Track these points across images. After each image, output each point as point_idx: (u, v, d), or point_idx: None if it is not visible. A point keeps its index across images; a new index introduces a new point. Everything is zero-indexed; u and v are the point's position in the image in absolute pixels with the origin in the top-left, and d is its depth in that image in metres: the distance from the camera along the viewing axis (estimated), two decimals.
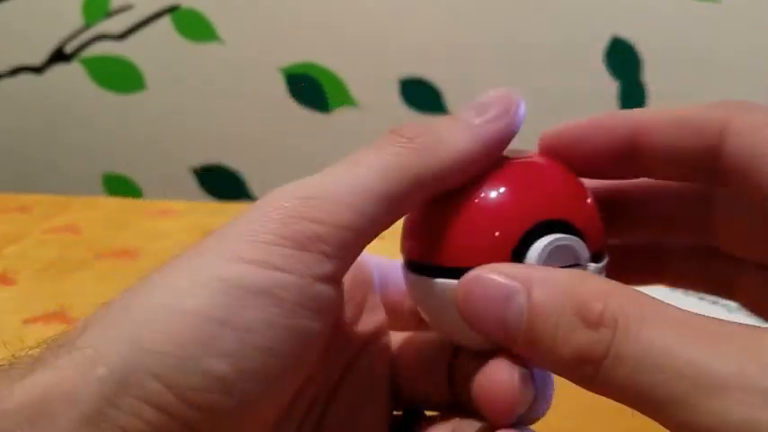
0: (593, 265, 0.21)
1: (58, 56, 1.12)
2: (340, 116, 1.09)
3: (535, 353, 0.18)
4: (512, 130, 0.22)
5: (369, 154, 0.21)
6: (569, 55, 1.06)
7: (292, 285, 0.18)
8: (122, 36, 1.10)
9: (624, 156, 0.22)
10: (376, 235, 0.20)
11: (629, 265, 0.25)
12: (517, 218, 0.20)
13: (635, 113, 0.22)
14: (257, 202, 0.20)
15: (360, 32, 1.07)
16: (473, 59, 1.07)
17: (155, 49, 1.10)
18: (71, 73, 1.12)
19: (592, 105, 1.07)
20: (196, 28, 1.09)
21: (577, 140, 0.23)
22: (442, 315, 0.22)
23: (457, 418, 0.23)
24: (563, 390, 0.38)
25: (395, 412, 0.26)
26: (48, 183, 1.13)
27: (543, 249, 0.20)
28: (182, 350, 0.17)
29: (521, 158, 0.22)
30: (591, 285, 0.18)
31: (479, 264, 0.19)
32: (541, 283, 0.18)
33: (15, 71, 1.13)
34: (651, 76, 1.06)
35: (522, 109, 0.22)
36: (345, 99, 1.09)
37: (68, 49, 1.11)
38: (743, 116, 0.20)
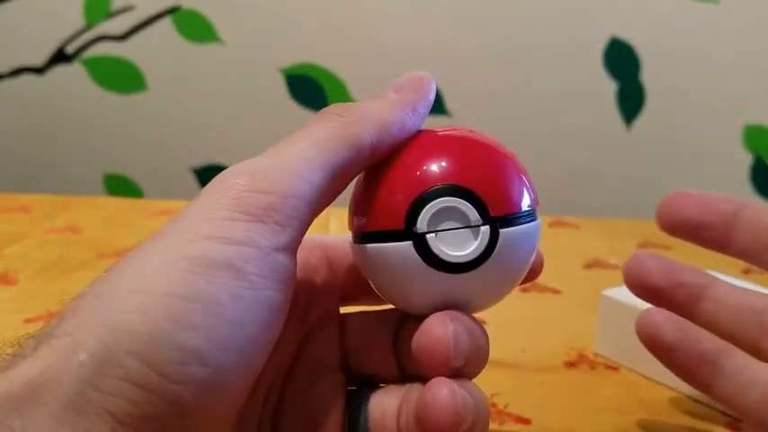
0: (484, 228, 0.22)
1: (60, 56, 1.12)
2: None
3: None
4: (425, 101, 0.24)
5: (306, 131, 0.22)
6: (568, 56, 1.06)
7: (252, 257, 0.20)
8: (123, 37, 1.10)
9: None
10: (323, 204, 0.22)
11: None
12: (412, 184, 0.23)
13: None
14: (209, 183, 0.21)
15: (360, 33, 1.07)
16: (472, 60, 1.07)
17: (156, 50, 1.10)
18: (72, 73, 1.12)
19: (590, 106, 1.07)
20: (197, 29, 1.09)
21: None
22: (382, 278, 0.24)
23: (406, 385, 0.24)
24: (562, 389, 0.38)
25: (349, 388, 0.26)
26: (49, 183, 1.13)
27: (426, 212, 0.22)
28: (155, 328, 0.18)
29: (437, 131, 0.25)
30: None
31: (392, 227, 0.22)
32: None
33: (16, 72, 1.13)
34: (650, 77, 1.06)
35: (433, 84, 0.25)
36: (345, 100, 1.09)
37: (69, 49, 1.11)
38: None
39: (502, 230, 0.23)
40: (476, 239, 0.22)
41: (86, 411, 0.17)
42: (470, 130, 0.25)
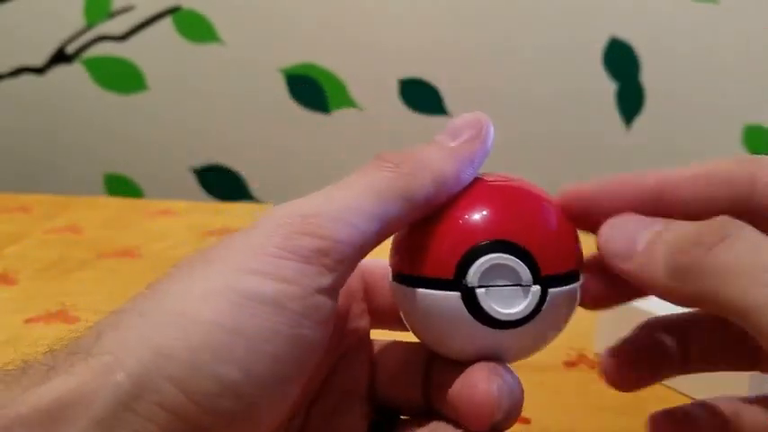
0: (535, 287, 0.22)
1: (60, 57, 1.12)
2: (340, 117, 1.08)
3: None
4: (484, 150, 0.24)
5: (361, 178, 0.22)
6: (568, 56, 1.06)
7: (297, 296, 0.20)
8: (123, 37, 1.10)
9: (650, 212, 0.23)
10: (369, 250, 0.22)
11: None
12: (466, 236, 0.22)
13: (662, 171, 0.24)
14: (260, 219, 0.21)
15: (360, 33, 1.07)
16: (472, 60, 1.07)
17: (156, 50, 1.10)
18: (72, 74, 1.12)
19: (590, 106, 1.07)
20: (197, 29, 1.09)
21: (602, 197, 0.24)
22: (422, 323, 0.24)
23: (434, 422, 0.24)
24: (562, 389, 0.38)
25: (373, 418, 0.26)
26: (49, 183, 1.13)
27: (482, 265, 0.22)
28: (197, 356, 0.18)
29: (491, 181, 0.24)
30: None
31: (441, 275, 0.22)
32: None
33: (17, 72, 1.13)
34: (649, 77, 1.06)
35: (492, 130, 0.25)
36: (345, 100, 1.09)
37: (70, 49, 1.11)
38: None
39: (550, 290, 0.22)
40: (525, 298, 0.22)
41: (115, 431, 0.17)
42: (522, 180, 0.25)
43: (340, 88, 1.09)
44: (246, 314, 0.19)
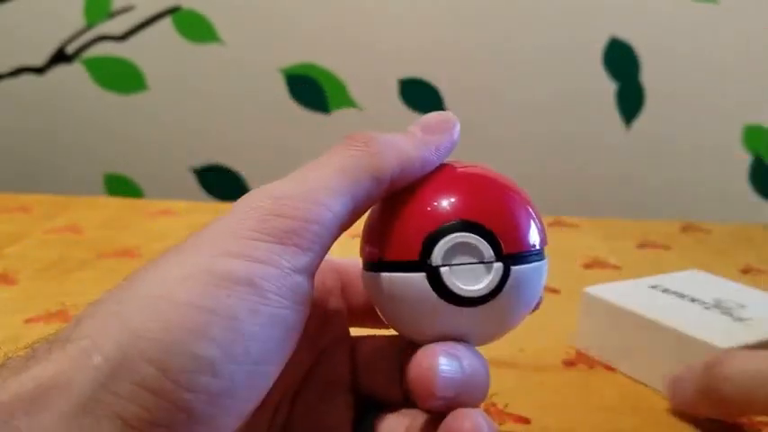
0: (497, 264, 0.23)
1: (60, 56, 1.12)
2: (340, 117, 1.09)
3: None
4: (450, 141, 0.25)
5: (330, 158, 0.23)
6: (568, 56, 1.06)
7: (273, 276, 0.20)
8: (123, 37, 1.10)
9: None
10: (342, 230, 0.23)
11: None
12: (430, 217, 0.23)
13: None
14: (235, 204, 0.22)
15: (359, 34, 1.07)
16: (472, 60, 1.07)
17: (156, 50, 1.10)
18: (72, 73, 1.12)
19: (590, 106, 1.07)
20: (197, 29, 1.09)
21: None
22: (391, 308, 0.24)
23: (414, 410, 0.25)
24: (561, 389, 0.38)
25: (357, 409, 0.27)
26: (49, 183, 1.13)
27: (445, 244, 0.23)
28: (174, 336, 0.18)
29: (455, 166, 0.25)
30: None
31: (406, 258, 0.23)
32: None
33: (17, 72, 1.13)
34: (649, 77, 1.06)
35: (458, 128, 0.26)
36: (345, 100, 1.09)
37: (70, 49, 1.11)
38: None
39: (513, 268, 0.23)
40: (488, 275, 0.23)
41: (96, 414, 0.18)
42: (486, 168, 0.26)
43: (340, 88, 1.09)
44: (222, 294, 0.19)
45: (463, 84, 1.08)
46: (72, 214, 0.69)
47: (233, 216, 0.21)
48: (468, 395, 0.23)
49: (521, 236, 0.24)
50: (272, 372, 0.21)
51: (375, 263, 0.24)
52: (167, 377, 0.18)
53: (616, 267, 0.60)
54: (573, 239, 0.68)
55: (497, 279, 0.23)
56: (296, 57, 1.09)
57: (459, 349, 0.23)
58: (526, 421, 0.35)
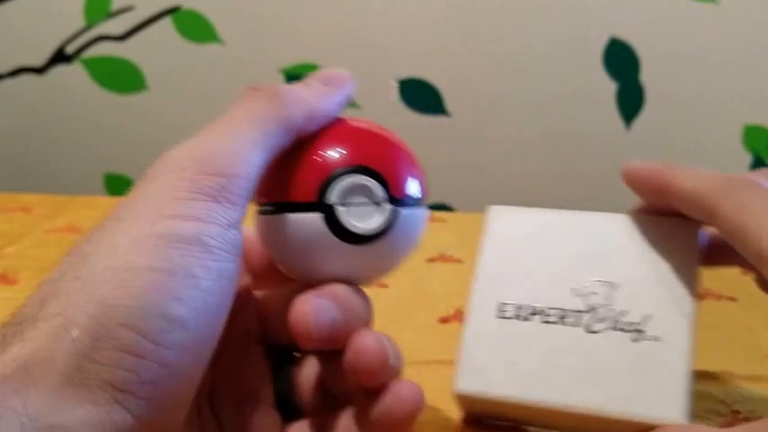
0: (391, 206, 0.25)
1: (59, 56, 1.12)
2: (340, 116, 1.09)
3: None
4: (345, 93, 0.27)
5: (241, 111, 0.24)
6: (568, 55, 1.06)
7: (216, 233, 0.21)
8: (123, 37, 1.10)
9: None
10: (257, 180, 0.24)
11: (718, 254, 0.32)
12: (327, 162, 0.25)
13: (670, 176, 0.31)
14: (157, 167, 0.23)
15: (359, 33, 1.07)
16: (472, 60, 1.07)
17: (155, 50, 1.10)
18: (72, 73, 1.12)
19: (590, 105, 1.07)
20: (197, 29, 1.09)
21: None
22: (286, 249, 0.26)
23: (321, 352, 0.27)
24: None
25: (272, 361, 0.29)
26: (48, 183, 1.13)
27: (342, 185, 0.25)
28: (142, 300, 0.19)
29: (349, 121, 0.27)
30: None
31: (297, 199, 0.25)
32: None
33: (16, 72, 1.13)
34: (649, 77, 1.06)
35: (351, 82, 0.28)
36: None
37: (69, 49, 1.11)
38: (728, 201, 0.27)
39: (400, 210, 0.26)
40: (380, 215, 0.25)
41: (86, 383, 0.19)
42: (376, 124, 0.28)
43: None
44: (176, 255, 0.20)
45: (463, 83, 1.08)
46: (72, 214, 0.69)
47: (164, 179, 0.22)
48: (348, 330, 0.24)
49: (407, 183, 0.26)
50: (224, 320, 0.22)
51: (273, 204, 0.26)
52: (145, 338, 0.19)
53: None
54: None
55: (388, 219, 0.25)
56: (296, 56, 1.09)
57: (336, 290, 0.25)
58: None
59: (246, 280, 0.29)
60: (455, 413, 0.33)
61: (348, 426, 0.26)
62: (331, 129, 0.26)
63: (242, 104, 0.25)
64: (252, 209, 0.26)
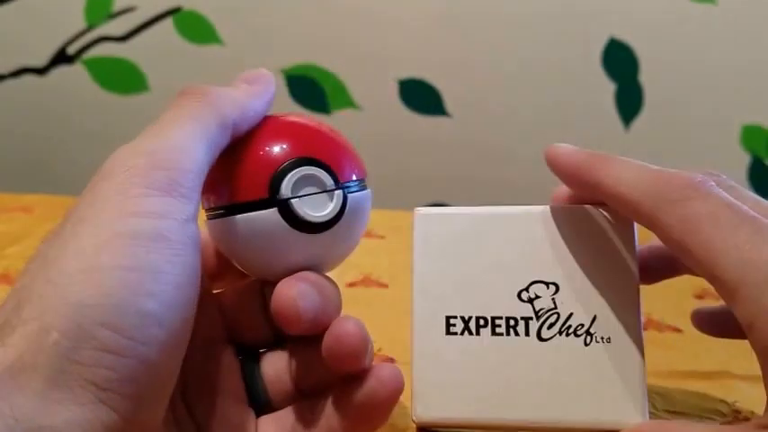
0: (339, 191, 0.26)
1: (61, 57, 1.11)
2: (340, 117, 1.08)
3: None
4: (270, 92, 0.28)
5: (178, 111, 0.24)
6: (567, 56, 1.06)
7: (174, 228, 0.22)
8: (124, 38, 1.10)
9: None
10: (204, 175, 0.24)
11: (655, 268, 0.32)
12: (273, 158, 0.26)
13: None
14: (106, 167, 0.23)
15: (359, 35, 1.07)
16: (471, 61, 1.07)
17: (157, 51, 1.10)
18: (74, 74, 1.12)
19: (589, 105, 1.07)
20: (197, 30, 1.09)
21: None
22: (244, 249, 0.26)
23: (288, 345, 0.28)
24: None
25: (240, 358, 0.29)
26: (50, 183, 1.13)
27: (293, 177, 0.25)
28: (116, 299, 0.20)
29: (281, 116, 0.28)
30: None
31: (249, 198, 0.25)
32: None
33: (18, 72, 1.13)
34: (648, 78, 1.06)
35: (273, 80, 0.28)
36: (344, 100, 1.09)
37: (71, 50, 1.11)
38: (669, 214, 0.25)
39: (349, 195, 0.27)
40: (332, 201, 0.26)
41: (69, 385, 0.19)
42: (306, 116, 0.28)
43: (340, 89, 1.09)
44: (142, 252, 0.21)
45: (463, 84, 1.08)
46: None
47: (115, 177, 0.22)
48: (326, 315, 0.25)
49: (349, 168, 0.27)
50: (193, 313, 0.23)
51: (224, 207, 0.26)
52: (123, 336, 0.20)
53: None
54: None
55: (340, 204, 0.26)
56: (296, 57, 1.09)
57: (310, 276, 0.26)
58: None
59: (204, 281, 0.29)
60: None
61: (328, 414, 0.26)
62: (266, 126, 0.27)
63: (177, 105, 0.25)
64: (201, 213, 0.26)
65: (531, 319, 0.29)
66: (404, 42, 1.07)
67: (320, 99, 1.09)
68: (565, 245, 0.30)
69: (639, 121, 1.07)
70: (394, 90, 1.08)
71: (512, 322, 0.29)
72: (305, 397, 0.27)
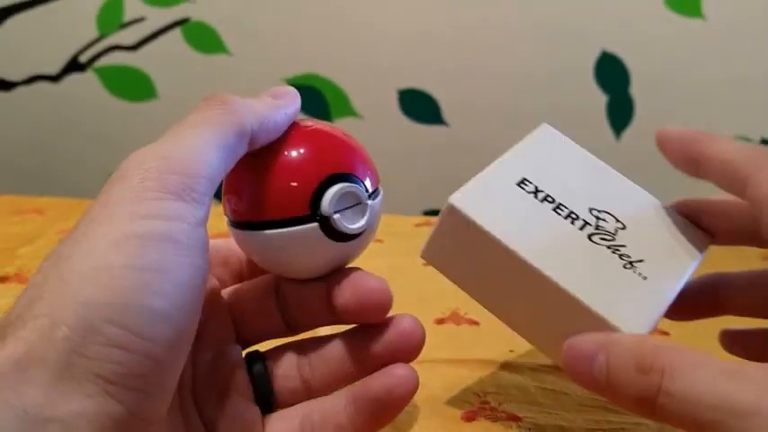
0: (371, 202, 0.27)
1: (74, 65, 1.12)
2: (342, 125, 1.09)
3: (613, 395, 0.23)
4: (295, 106, 0.28)
5: (197, 118, 0.25)
6: (560, 68, 1.06)
7: (185, 231, 0.22)
8: (135, 47, 1.10)
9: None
10: (218, 183, 0.24)
11: (692, 304, 0.32)
12: (312, 173, 0.26)
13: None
14: (122, 169, 0.23)
15: (361, 46, 1.08)
16: (468, 72, 1.07)
17: (165, 60, 1.10)
18: (86, 82, 1.12)
19: (582, 116, 1.07)
20: (205, 40, 1.09)
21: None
22: (278, 258, 0.27)
23: (299, 339, 0.29)
24: (552, 388, 0.38)
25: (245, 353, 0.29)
26: (61, 186, 1.13)
27: (334, 195, 0.26)
28: (125, 298, 0.20)
29: (305, 126, 0.28)
30: (646, 345, 0.22)
31: (289, 215, 0.26)
32: (614, 345, 0.23)
33: (32, 79, 1.13)
34: (639, 90, 1.06)
35: (299, 97, 0.28)
36: (346, 109, 1.09)
37: (83, 58, 1.11)
38: (761, 173, 0.26)
39: (372, 202, 0.28)
40: (365, 213, 0.27)
41: (76, 377, 0.19)
42: (328, 125, 0.29)
43: (342, 98, 1.09)
44: (152, 253, 0.21)
45: (460, 95, 1.08)
46: None
47: (130, 179, 0.22)
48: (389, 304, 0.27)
49: (372, 178, 0.28)
50: (198, 313, 0.23)
51: (258, 221, 0.26)
52: (131, 332, 0.20)
53: None
54: None
55: (371, 214, 0.27)
56: (299, 67, 1.09)
57: (362, 271, 0.27)
58: (517, 419, 0.35)
59: (214, 282, 0.29)
60: (454, 410, 0.34)
61: (338, 410, 0.27)
62: (294, 137, 0.27)
63: (197, 112, 0.25)
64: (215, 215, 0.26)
65: (590, 225, 0.30)
66: (403, 54, 1.07)
67: (322, 107, 1.09)
68: (648, 217, 0.32)
69: (630, 132, 1.08)
70: (394, 99, 1.09)
71: (573, 215, 0.30)
72: (313, 395, 0.28)
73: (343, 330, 0.29)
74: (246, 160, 0.26)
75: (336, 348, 0.28)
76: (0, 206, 0.71)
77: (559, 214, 0.29)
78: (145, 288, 0.20)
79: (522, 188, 0.30)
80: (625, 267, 0.28)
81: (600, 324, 0.26)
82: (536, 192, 0.30)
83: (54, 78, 1.13)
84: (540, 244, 0.28)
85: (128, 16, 1.09)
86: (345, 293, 0.27)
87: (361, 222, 0.27)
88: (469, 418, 0.35)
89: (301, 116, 0.29)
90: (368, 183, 0.28)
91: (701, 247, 0.31)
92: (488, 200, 0.29)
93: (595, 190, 0.32)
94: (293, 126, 0.28)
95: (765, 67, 1.04)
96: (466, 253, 0.29)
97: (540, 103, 1.07)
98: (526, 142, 0.34)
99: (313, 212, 0.26)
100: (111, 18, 1.09)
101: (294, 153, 0.26)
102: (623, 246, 0.29)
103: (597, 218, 0.30)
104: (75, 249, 0.21)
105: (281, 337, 0.29)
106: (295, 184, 0.26)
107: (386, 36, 1.07)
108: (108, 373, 0.19)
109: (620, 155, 1.07)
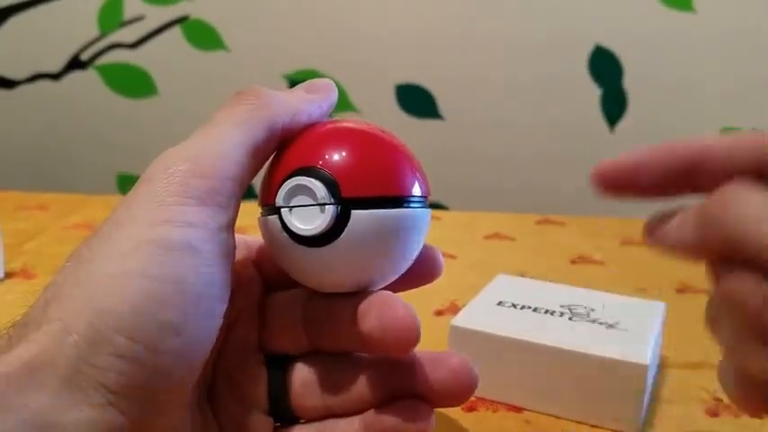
0: (331, 207, 0.22)
1: (75, 63, 1.11)
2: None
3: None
4: (329, 100, 0.26)
5: (227, 114, 0.23)
6: (555, 62, 1.06)
7: (205, 237, 0.21)
8: (135, 45, 1.10)
9: (683, 175, 0.22)
10: (248, 182, 0.23)
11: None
12: (287, 164, 0.24)
13: (689, 144, 0.22)
14: (150, 170, 0.22)
15: (358, 42, 1.07)
16: (465, 67, 1.07)
17: (166, 57, 1.09)
18: (87, 79, 1.11)
19: (577, 108, 1.07)
20: (204, 37, 1.08)
21: (637, 167, 0.23)
22: (270, 247, 0.25)
23: (322, 356, 0.26)
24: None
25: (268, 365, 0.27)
26: (64, 182, 1.13)
27: (284, 188, 0.23)
28: (136, 308, 0.19)
29: (337, 122, 0.25)
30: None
31: (269, 201, 0.24)
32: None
33: (34, 78, 1.12)
34: (631, 83, 1.06)
35: (335, 91, 0.26)
36: (345, 104, 1.08)
37: (84, 56, 1.11)
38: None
39: (354, 211, 0.23)
40: (322, 216, 0.22)
41: (82, 386, 0.18)
42: (367, 123, 0.25)
43: (340, 93, 1.08)
44: (169, 262, 0.20)
45: (456, 89, 1.08)
46: (86, 212, 0.69)
47: (154, 183, 0.21)
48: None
49: (366, 181, 0.23)
50: (217, 325, 0.21)
51: (263, 207, 0.25)
52: (139, 344, 0.19)
53: (600, 263, 0.59)
54: (560, 237, 0.68)
55: (332, 220, 0.22)
56: (298, 63, 1.08)
57: (388, 294, 0.23)
58: (518, 410, 0.35)
59: (256, 289, 0.27)
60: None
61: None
62: (310, 130, 0.25)
63: (227, 108, 0.24)
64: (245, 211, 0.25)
65: (566, 313, 0.37)
66: (401, 50, 1.07)
67: None
68: (610, 302, 0.39)
69: (624, 123, 1.07)
70: (391, 94, 1.08)
71: (551, 311, 0.37)
72: (330, 415, 0.25)
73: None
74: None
75: (363, 372, 0.25)
76: (5, 202, 0.70)
77: (539, 313, 0.37)
78: (157, 298, 0.19)
79: (502, 306, 0.38)
80: (608, 328, 0.35)
81: (607, 366, 0.32)
82: (514, 305, 0.38)
83: (55, 76, 1.12)
84: (534, 331, 0.35)
85: (128, 15, 1.08)
86: (371, 318, 0.23)
87: (312, 225, 0.22)
88: (470, 408, 0.34)
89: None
90: (350, 186, 0.23)
91: (660, 305, 0.38)
92: (480, 317, 0.36)
93: (559, 295, 0.39)
94: (323, 122, 0.25)
95: (755, 59, 1.04)
96: (477, 362, 0.28)
97: (534, 96, 1.07)
98: (489, 286, 0.41)
99: (275, 204, 0.23)
100: (111, 16, 1.09)
101: (297, 144, 0.24)
102: (599, 318, 0.37)
103: (570, 309, 0.38)
104: (95, 253, 0.20)
105: (302, 356, 0.26)
106: (278, 172, 0.24)
107: (383, 33, 1.06)
108: (113, 383, 0.19)
109: (615, 145, 1.07)
